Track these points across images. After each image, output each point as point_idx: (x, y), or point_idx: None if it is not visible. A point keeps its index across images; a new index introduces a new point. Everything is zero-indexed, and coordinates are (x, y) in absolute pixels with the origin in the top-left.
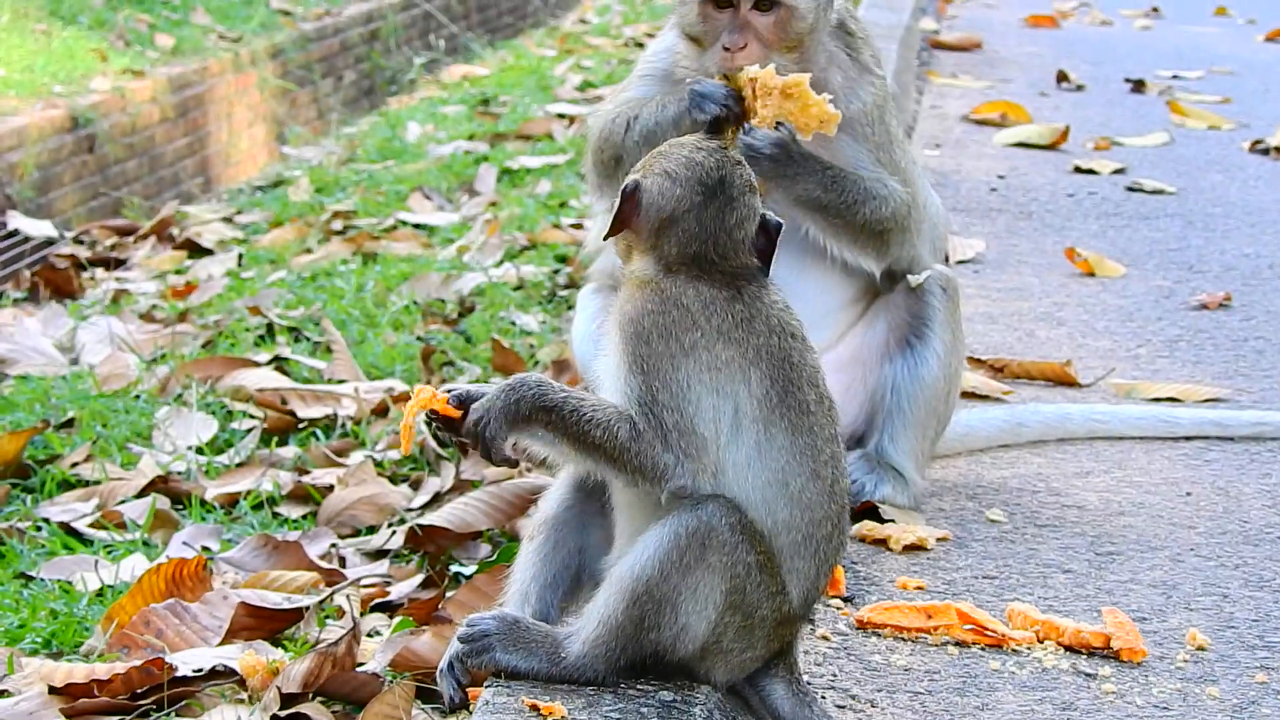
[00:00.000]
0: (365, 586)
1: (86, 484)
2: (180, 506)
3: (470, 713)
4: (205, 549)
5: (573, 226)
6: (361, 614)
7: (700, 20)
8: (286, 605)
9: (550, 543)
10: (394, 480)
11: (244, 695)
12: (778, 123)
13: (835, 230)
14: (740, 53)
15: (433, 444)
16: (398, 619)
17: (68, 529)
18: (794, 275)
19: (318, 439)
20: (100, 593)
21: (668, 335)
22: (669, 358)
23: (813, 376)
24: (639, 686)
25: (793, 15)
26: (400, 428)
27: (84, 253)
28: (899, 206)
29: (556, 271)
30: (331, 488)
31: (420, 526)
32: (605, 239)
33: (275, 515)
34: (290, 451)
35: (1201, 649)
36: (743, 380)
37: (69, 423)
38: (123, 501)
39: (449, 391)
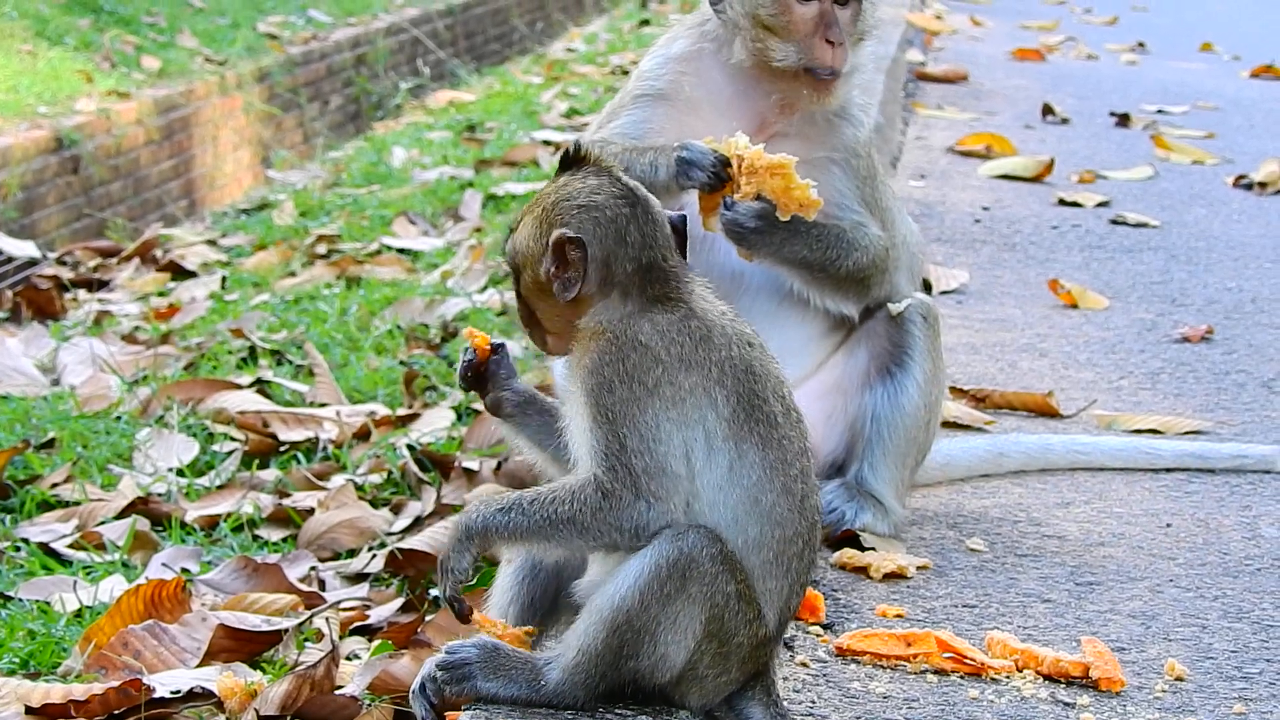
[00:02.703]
0: (344, 609)
1: (66, 505)
2: (160, 528)
3: None
4: (185, 570)
5: None
6: (341, 637)
7: (782, 12)
8: (265, 627)
9: (528, 565)
10: (375, 504)
11: (222, 717)
12: (757, 194)
13: (819, 283)
14: (838, 49)
15: (414, 468)
16: (377, 642)
17: (47, 549)
18: (774, 305)
19: (299, 462)
20: (79, 613)
21: (629, 379)
22: (634, 402)
23: (777, 387)
24: (617, 712)
25: (863, 8)
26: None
27: (67, 273)
28: (879, 253)
29: None
30: (312, 511)
31: (400, 550)
32: (571, 300)
33: (255, 538)
34: (271, 474)
35: (1180, 679)
36: (709, 404)
37: (49, 443)
38: (102, 522)
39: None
